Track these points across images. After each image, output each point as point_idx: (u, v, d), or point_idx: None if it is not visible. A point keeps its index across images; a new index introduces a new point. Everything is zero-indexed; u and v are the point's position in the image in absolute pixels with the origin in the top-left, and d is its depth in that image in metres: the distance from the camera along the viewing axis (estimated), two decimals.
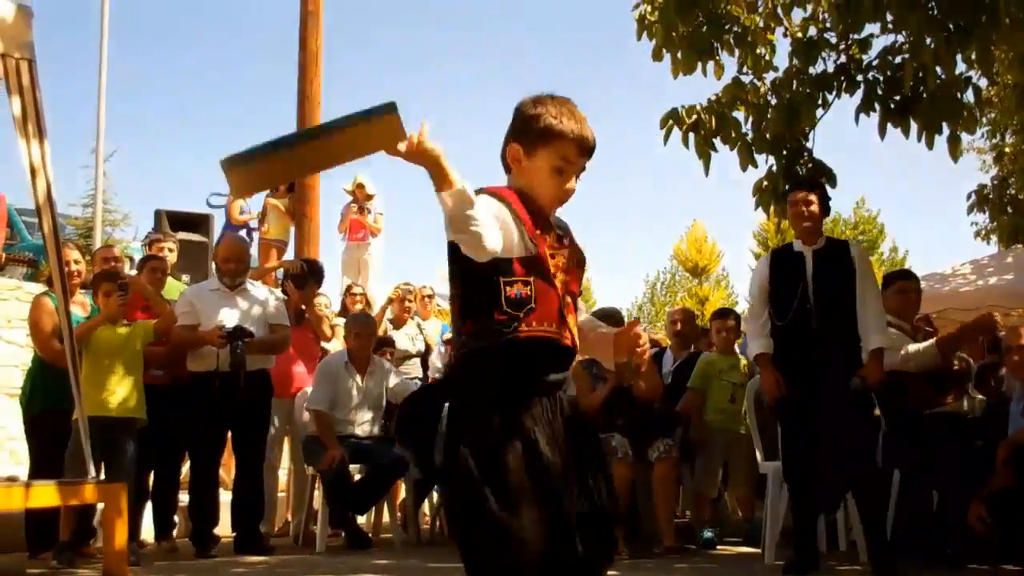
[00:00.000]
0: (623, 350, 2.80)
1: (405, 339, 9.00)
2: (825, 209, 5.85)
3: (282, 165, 2.36)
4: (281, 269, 9.90)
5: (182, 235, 10.26)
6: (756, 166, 6.91)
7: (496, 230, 2.53)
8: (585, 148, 2.77)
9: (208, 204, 12.09)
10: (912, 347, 6.11)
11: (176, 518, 6.90)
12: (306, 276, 7.75)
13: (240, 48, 57.19)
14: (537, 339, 2.64)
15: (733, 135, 6.86)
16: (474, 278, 2.61)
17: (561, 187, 2.76)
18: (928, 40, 5.72)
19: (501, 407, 2.59)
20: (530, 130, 2.72)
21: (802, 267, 5.65)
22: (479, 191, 2.59)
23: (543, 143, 2.71)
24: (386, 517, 7.71)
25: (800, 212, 5.73)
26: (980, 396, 6.68)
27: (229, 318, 6.48)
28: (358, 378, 7.05)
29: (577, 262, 2.82)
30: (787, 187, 6.29)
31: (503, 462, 2.54)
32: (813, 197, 5.75)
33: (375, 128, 2.30)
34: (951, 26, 5.44)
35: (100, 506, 5.61)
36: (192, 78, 54.63)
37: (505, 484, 2.52)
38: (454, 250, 2.61)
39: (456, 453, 2.57)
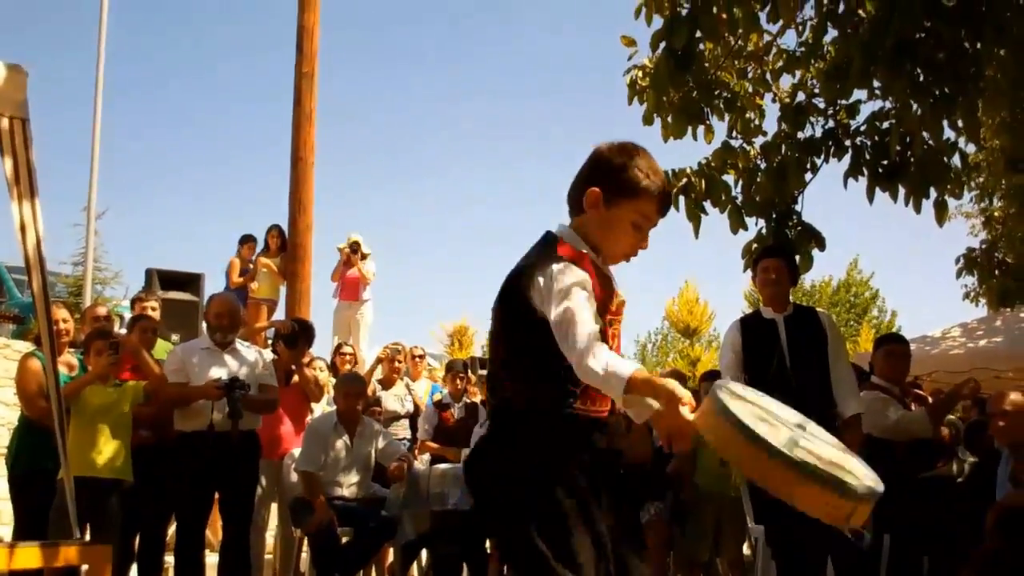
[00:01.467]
0: None
1: (393, 400, 8.96)
2: (793, 277, 5.89)
3: (751, 456, 2.29)
4: (271, 328, 9.87)
5: (173, 294, 10.26)
6: (746, 228, 6.95)
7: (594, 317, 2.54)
8: (666, 207, 2.73)
9: None
10: (904, 416, 6.12)
11: None
12: (297, 336, 7.73)
13: (234, 108, 57.57)
14: (590, 419, 2.61)
15: (723, 198, 6.90)
16: (537, 348, 2.56)
17: (634, 243, 2.73)
18: (915, 106, 5.78)
19: (565, 483, 2.55)
20: (614, 180, 2.66)
21: (775, 333, 5.66)
22: (563, 259, 2.59)
23: (627, 196, 2.66)
24: None
25: (769, 279, 5.76)
26: (970, 459, 6.68)
27: (219, 376, 6.44)
28: (347, 438, 7.01)
29: (619, 319, 2.79)
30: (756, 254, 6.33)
31: (576, 550, 2.50)
32: (781, 264, 5.79)
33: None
34: (937, 92, 5.50)
35: (84, 568, 5.54)
36: (185, 137, 54.94)
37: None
38: (519, 316, 2.59)
39: (520, 527, 2.53)
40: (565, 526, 2.51)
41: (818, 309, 6.11)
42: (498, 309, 2.69)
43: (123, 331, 7.71)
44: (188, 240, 48.65)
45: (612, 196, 2.66)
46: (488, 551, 7.03)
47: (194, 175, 54.24)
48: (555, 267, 2.56)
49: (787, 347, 5.59)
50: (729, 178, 7.02)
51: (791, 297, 5.92)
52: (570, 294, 2.50)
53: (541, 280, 2.56)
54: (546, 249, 2.67)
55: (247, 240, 12.91)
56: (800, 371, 5.54)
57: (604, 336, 2.62)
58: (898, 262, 53.07)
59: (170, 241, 48.10)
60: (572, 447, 2.59)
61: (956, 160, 6.49)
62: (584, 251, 2.68)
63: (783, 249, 6.27)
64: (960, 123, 5.80)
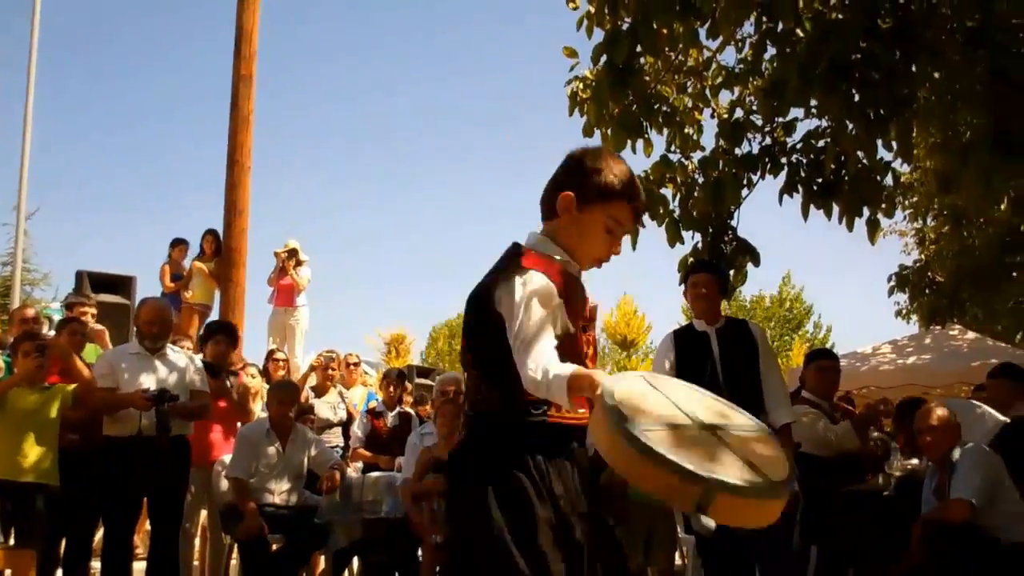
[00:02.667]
0: None
1: (326, 408, 8.90)
2: (723, 291, 5.97)
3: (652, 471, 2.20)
4: (202, 331, 9.71)
5: (104, 297, 10.06)
6: (683, 242, 7.02)
7: (551, 329, 2.50)
8: (639, 215, 2.73)
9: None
10: (831, 431, 6.23)
11: None
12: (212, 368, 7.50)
13: (169, 109, 57.00)
14: (563, 427, 2.59)
15: (661, 211, 6.96)
16: (508, 358, 2.51)
17: (607, 248, 2.71)
18: (850, 126, 5.88)
19: (531, 476, 2.53)
20: (588, 184, 2.64)
21: (707, 345, 5.73)
22: (528, 270, 2.55)
23: (600, 200, 2.64)
24: None
25: (699, 293, 5.84)
26: (897, 473, 6.80)
27: (149, 382, 6.33)
28: (279, 445, 6.94)
29: (592, 324, 2.78)
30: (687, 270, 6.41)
31: (537, 534, 2.49)
32: (711, 279, 5.87)
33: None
34: (872, 112, 5.59)
35: (8, 572, 5.44)
36: (118, 137, 54.30)
37: (539, 554, 2.48)
38: (490, 328, 2.55)
39: (484, 520, 2.50)
40: (534, 529, 2.50)
41: (749, 321, 6.18)
42: (467, 321, 2.67)
43: (52, 333, 7.57)
44: (121, 242, 48.10)
45: (585, 200, 2.65)
46: (419, 559, 7.00)
47: (128, 177, 53.67)
48: (517, 280, 2.54)
49: (719, 358, 5.67)
50: (667, 192, 7.09)
51: (723, 310, 5.99)
52: (530, 308, 2.49)
53: (504, 294, 2.54)
54: (512, 261, 2.64)
55: (178, 243, 12.72)
56: (731, 381, 5.61)
57: (578, 342, 2.63)
58: (832, 279, 53.90)
59: (102, 243, 47.48)
60: (546, 452, 2.58)
61: (889, 180, 6.62)
62: (556, 258, 2.67)
63: (711, 264, 6.37)
64: (894, 143, 5.91)
